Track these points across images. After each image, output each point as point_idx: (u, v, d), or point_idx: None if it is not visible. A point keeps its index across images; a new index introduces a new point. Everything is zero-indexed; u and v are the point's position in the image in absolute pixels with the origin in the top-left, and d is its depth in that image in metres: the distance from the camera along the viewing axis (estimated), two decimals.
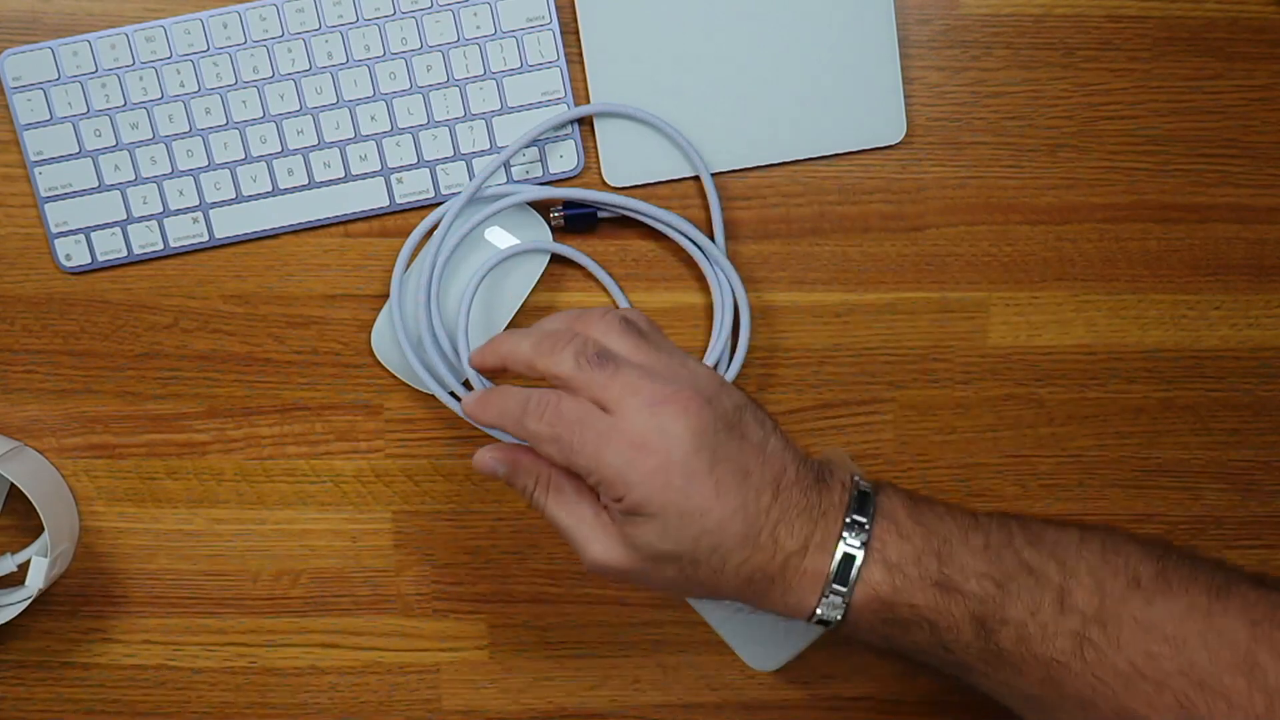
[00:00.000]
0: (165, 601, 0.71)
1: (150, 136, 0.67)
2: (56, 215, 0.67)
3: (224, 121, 0.67)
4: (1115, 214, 0.71)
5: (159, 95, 0.67)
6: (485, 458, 0.57)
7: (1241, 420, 0.72)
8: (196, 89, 0.67)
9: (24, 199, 0.68)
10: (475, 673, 0.72)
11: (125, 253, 0.68)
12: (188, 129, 0.67)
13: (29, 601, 0.66)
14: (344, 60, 0.67)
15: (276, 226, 0.68)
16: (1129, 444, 0.72)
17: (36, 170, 0.67)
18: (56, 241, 0.68)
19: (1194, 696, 0.51)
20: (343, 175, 0.68)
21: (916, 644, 0.54)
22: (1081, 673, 0.52)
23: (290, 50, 0.67)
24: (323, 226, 0.69)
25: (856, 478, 0.56)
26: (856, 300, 0.71)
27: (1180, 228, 0.71)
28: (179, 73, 0.67)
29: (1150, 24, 0.70)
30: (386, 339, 0.68)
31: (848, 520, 0.53)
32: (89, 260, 0.68)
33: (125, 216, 0.67)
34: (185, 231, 0.68)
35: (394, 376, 0.70)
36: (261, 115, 0.67)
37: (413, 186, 0.68)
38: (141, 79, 0.66)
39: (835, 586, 0.53)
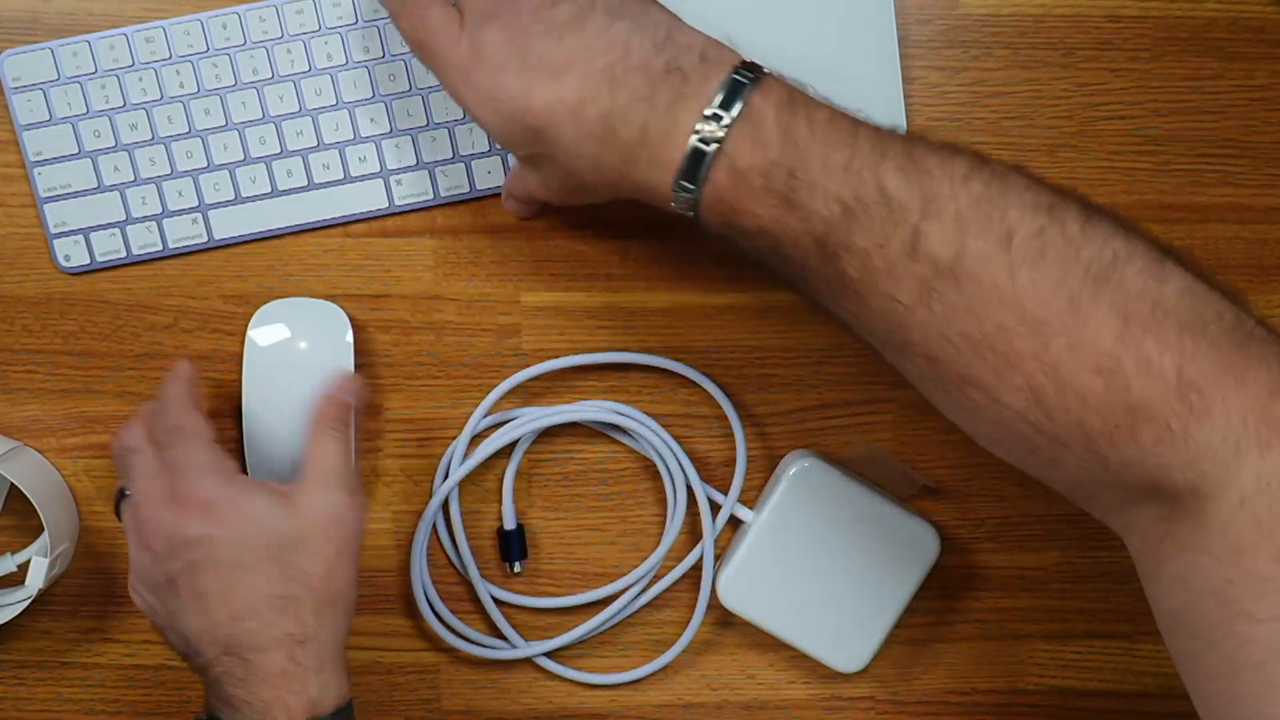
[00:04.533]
0: None
1: (149, 137, 0.67)
2: (56, 216, 0.67)
3: (223, 123, 0.67)
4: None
5: (158, 96, 0.66)
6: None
7: None
8: (196, 90, 0.66)
9: (24, 199, 0.68)
10: (475, 673, 0.72)
11: (124, 253, 0.68)
12: (187, 130, 0.67)
13: (29, 601, 0.66)
14: (343, 62, 0.67)
15: (276, 228, 0.68)
16: None
17: (36, 171, 0.67)
18: (56, 242, 0.67)
19: (1046, 385, 0.48)
20: (342, 177, 0.68)
21: (760, 251, 0.53)
22: (926, 324, 0.49)
23: (290, 52, 0.66)
24: (323, 228, 0.69)
25: (738, 66, 0.53)
26: None
27: (1180, 228, 0.71)
28: (178, 74, 0.66)
29: (1150, 24, 0.70)
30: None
31: (706, 114, 0.51)
32: (88, 261, 0.68)
33: (124, 217, 0.67)
34: (184, 232, 0.68)
35: (394, 380, 0.70)
36: (261, 116, 0.67)
37: (412, 189, 0.68)
38: (141, 80, 0.66)
39: (683, 182, 0.52)
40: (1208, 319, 0.48)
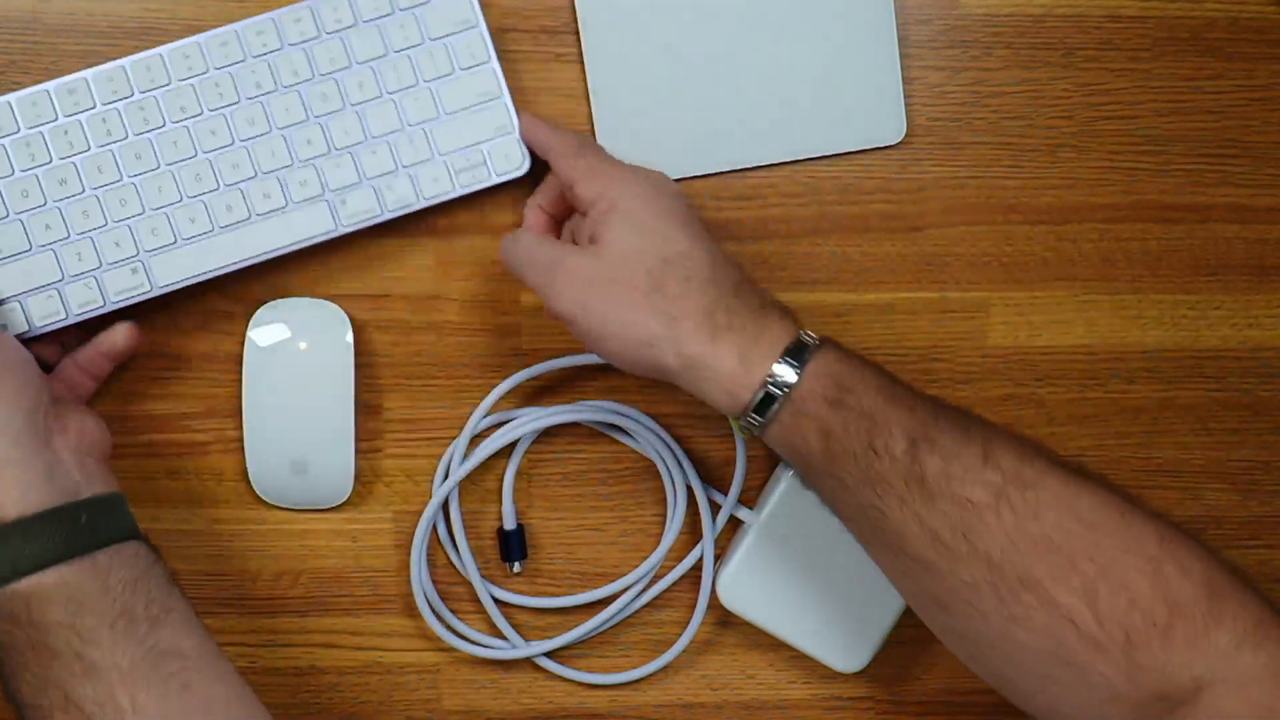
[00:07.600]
0: None
1: (79, 191, 0.64)
2: None
3: (155, 165, 0.65)
4: (1115, 214, 0.71)
5: (85, 147, 0.64)
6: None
7: (1241, 420, 0.72)
8: (124, 135, 0.64)
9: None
10: (475, 673, 0.72)
11: (64, 315, 0.65)
12: (118, 177, 0.65)
13: None
14: (273, 88, 0.65)
15: (221, 266, 0.66)
16: (1129, 444, 0.72)
17: None
18: None
19: (1099, 584, 0.53)
20: (284, 204, 0.66)
21: (850, 437, 0.57)
22: (994, 528, 0.54)
23: (218, 85, 0.65)
24: (270, 259, 0.66)
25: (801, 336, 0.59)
26: (856, 300, 0.71)
27: (1180, 228, 0.71)
28: (104, 121, 0.64)
29: (1150, 24, 0.70)
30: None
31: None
32: (25, 329, 0.65)
33: (60, 277, 0.65)
34: (125, 284, 0.65)
35: (394, 380, 0.70)
36: (193, 154, 0.65)
37: (357, 206, 0.66)
38: (66, 133, 0.64)
39: (789, 358, 0.58)
40: (1213, 547, 0.55)
